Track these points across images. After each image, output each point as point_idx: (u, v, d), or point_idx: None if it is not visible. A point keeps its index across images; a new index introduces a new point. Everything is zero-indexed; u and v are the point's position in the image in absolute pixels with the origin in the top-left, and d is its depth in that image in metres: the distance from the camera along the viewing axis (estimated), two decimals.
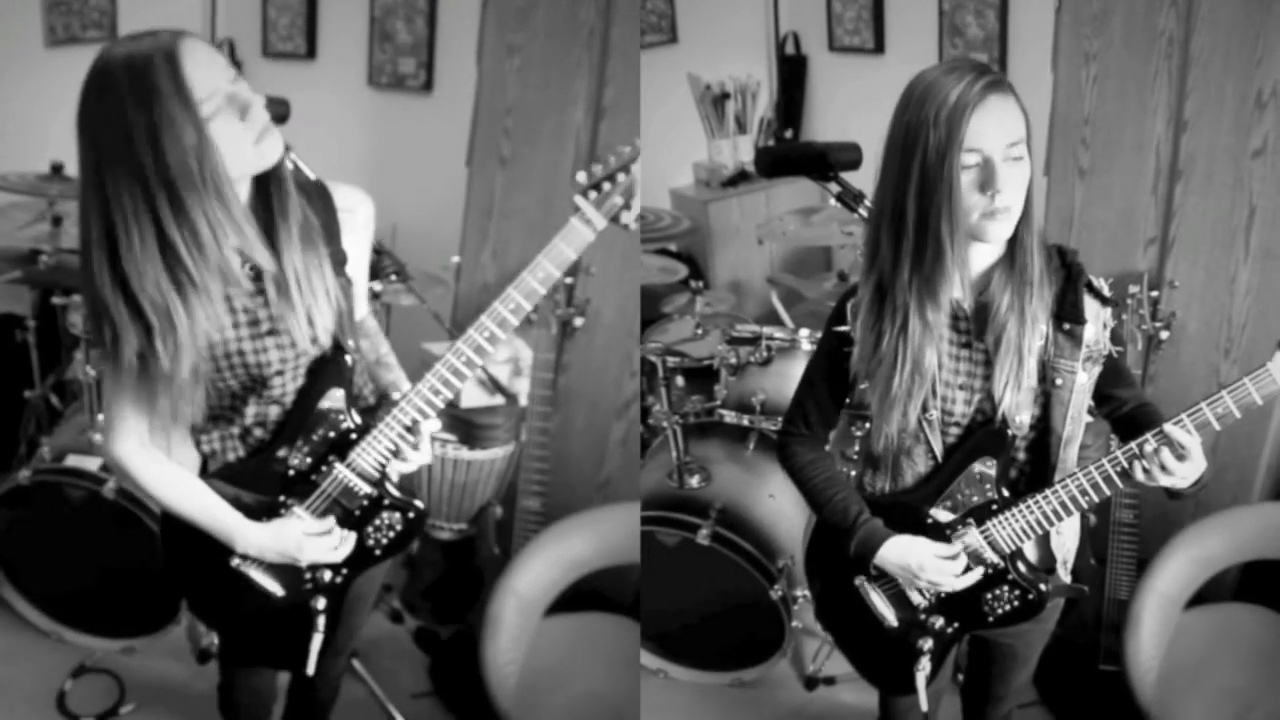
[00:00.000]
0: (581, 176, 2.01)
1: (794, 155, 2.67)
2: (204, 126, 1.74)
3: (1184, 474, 1.80)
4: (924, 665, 2.08)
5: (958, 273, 1.82)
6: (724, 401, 3.55)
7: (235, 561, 2.07)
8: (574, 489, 3.63)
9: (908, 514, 2.00)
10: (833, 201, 2.53)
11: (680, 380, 3.70)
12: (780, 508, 3.35)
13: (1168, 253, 3.23)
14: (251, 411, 2.03)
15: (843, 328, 1.99)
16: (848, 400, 2.09)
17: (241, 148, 1.80)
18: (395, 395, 2.14)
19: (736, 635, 3.35)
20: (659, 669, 3.43)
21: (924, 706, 2.10)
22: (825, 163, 2.40)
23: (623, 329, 3.61)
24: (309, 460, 2.05)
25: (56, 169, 3.80)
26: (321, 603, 2.14)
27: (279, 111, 2.63)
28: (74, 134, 1.78)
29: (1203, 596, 2.97)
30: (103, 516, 3.18)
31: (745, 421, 3.50)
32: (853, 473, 2.14)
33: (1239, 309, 3.15)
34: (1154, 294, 3.07)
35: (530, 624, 3.04)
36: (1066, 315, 1.87)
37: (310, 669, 2.17)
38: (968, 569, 1.98)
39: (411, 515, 2.13)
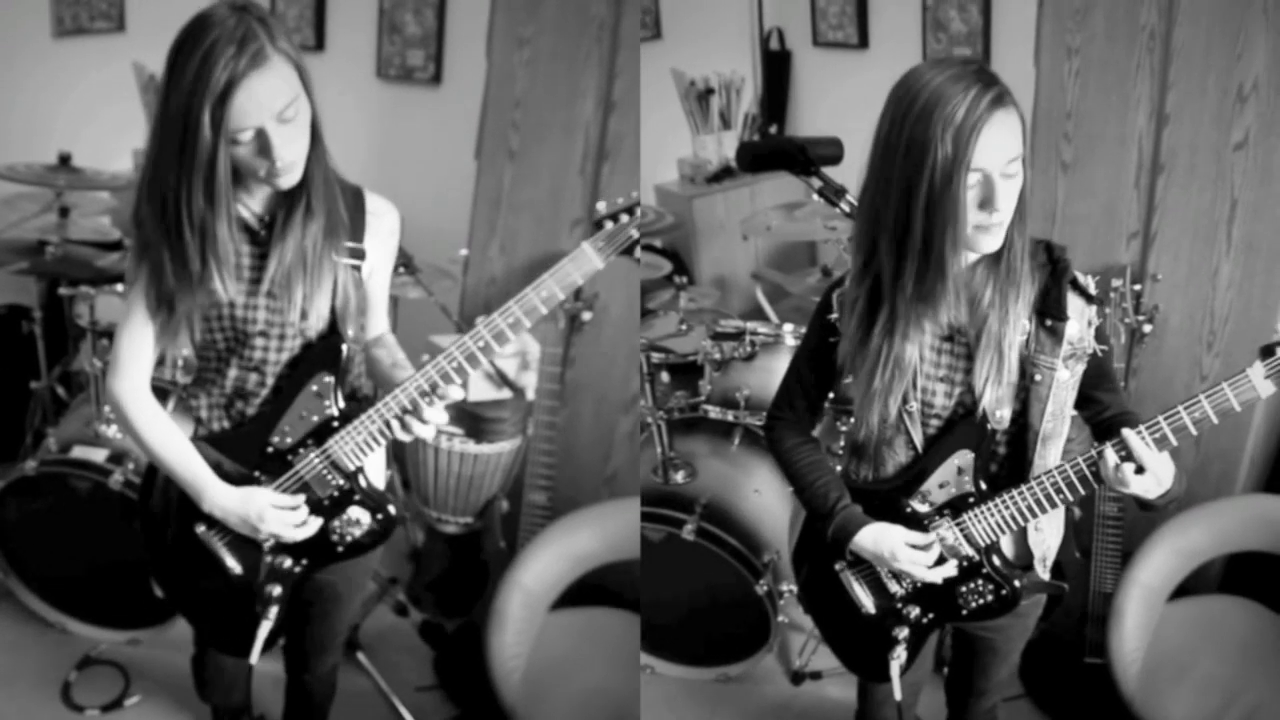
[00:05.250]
0: (602, 206, 2.04)
1: (775, 150, 2.65)
2: (219, 154, 1.83)
3: (1143, 487, 1.81)
4: (899, 654, 2.09)
5: (955, 288, 1.83)
6: (708, 397, 3.55)
7: (200, 529, 2.10)
8: (580, 483, 3.63)
9: (887, 502, 2.01)
10: (815, 196, 2.52)
11: (665, 376, 3.70)
12: (765, 503, 3.35)
13: (1150, 246, 3.24)
14: (232, 375, 2.08)
15: (831, 316, 2.00)
16: (832, 393, 2.10)
17: (256, 172, 1.90)
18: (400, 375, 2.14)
19: (722, 630, 3.35)
20: (646, 664, 3.43)
21: (897, 695, 2.10)
22: (806, 157, 2.39)
23: (630, 324, 3.61)
24: (289, 440, 2.07)
25: (64, 159, 3.80)
26: (276, 590, 2.14)
27: None
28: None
29: (1188, 589, 2.98)
30: (108, 508, 3.18)
31: (730, 417, 3.50)
32: (838, 467, 2.14)
33: (1221, 302, 3.16)
34: (1136, 287, 3.07)
35: (536, 618, 3.05)
36: (1049, 311, 1.87)
37: (254, 658, 2.17)
38: (941, 560, 1.99)
39: (381, 517, 2.13)
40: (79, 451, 3.26)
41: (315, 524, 2.10)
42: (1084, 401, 1.99)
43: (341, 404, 2.08)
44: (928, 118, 1.69)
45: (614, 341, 3.60)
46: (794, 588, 3.26)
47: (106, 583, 3.32)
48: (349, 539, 2.13)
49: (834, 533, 2.03)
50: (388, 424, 2.02)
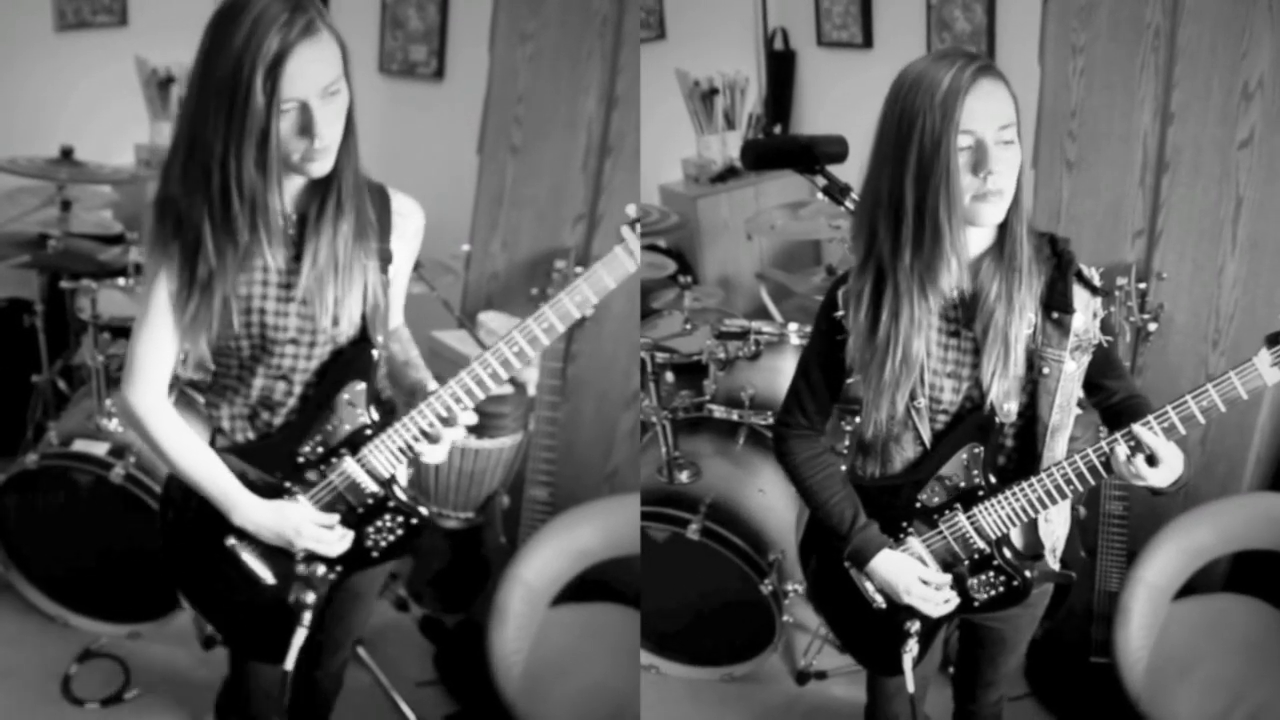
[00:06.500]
0: (631, 210, 2.04)
1: (779, 148, 2.66)
2: (271, 121, 1.77)
3: (1157, 479, 1.82)
4: (911, 647, 2.09)
5: (955, 256, 1.82)
6: (713, 396, 3.55)
7: (230, 541, 2.05)
8: (581, 479, 3.64)
9: (896, 498, 2.02)
10: (819, 195, 2.52)
11: (669, 375, 3.70)
12: (770, 502, 3.35)
13: (1155, 245, 3.24)
14: (258, 384, 2.01)
15: (837, 314, 2.00)
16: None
17: (291, 154, 1.84)
18: (430, 386, 2.10)
19: (727, 630, 3.34)
20: (650, 665, 3.42)
21: (910, 688, 2.10)
22: (811, 155, 2.39)
23: (632, 320, 3.62)
24: (320, 450, 2.03)
25: (66, 153, 3.81)
26: (310, 597, 2.09)
27: None
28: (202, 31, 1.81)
29: (1194, 587, 2.97)
30: (109, 501, 3.20)
31: (734, 416, 3.50)
32: (843, 468, 2.14)
33: (1226, 300, 3.16)
34: (1142, 286, 3.06)
35: (536, 613, 3.05)
36: (1055, 304, 1.88)
37: (289, 664, 2.11)
38: (962, 570, 2.00)
39: (414, 521, 2.10)
40: (80, 445, 3.27)
41: (349, 537, 2.07)
42: (1092, 389, 2.01)
43: (374, 413, 2.04)
44: (915, 92, 1.75)
45: (615, 338, 3.60)
46: (799, 587, 3.26)
47: (107, 576, 3.33)
48: (383, 545, 2.11)
49: (850, 556, 2.04)
50: (422, 433, 2.00)
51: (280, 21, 1.73)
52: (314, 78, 1.78)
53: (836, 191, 2.42)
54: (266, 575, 2.09)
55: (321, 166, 1.88)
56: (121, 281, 3.55)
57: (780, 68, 5.69)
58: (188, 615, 3.33)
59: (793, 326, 3.49)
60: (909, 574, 2.01)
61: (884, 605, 2.09)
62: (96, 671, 3.27)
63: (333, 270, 1.95)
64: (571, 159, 3.62)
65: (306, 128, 1.80)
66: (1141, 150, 3.22)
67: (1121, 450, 1.82)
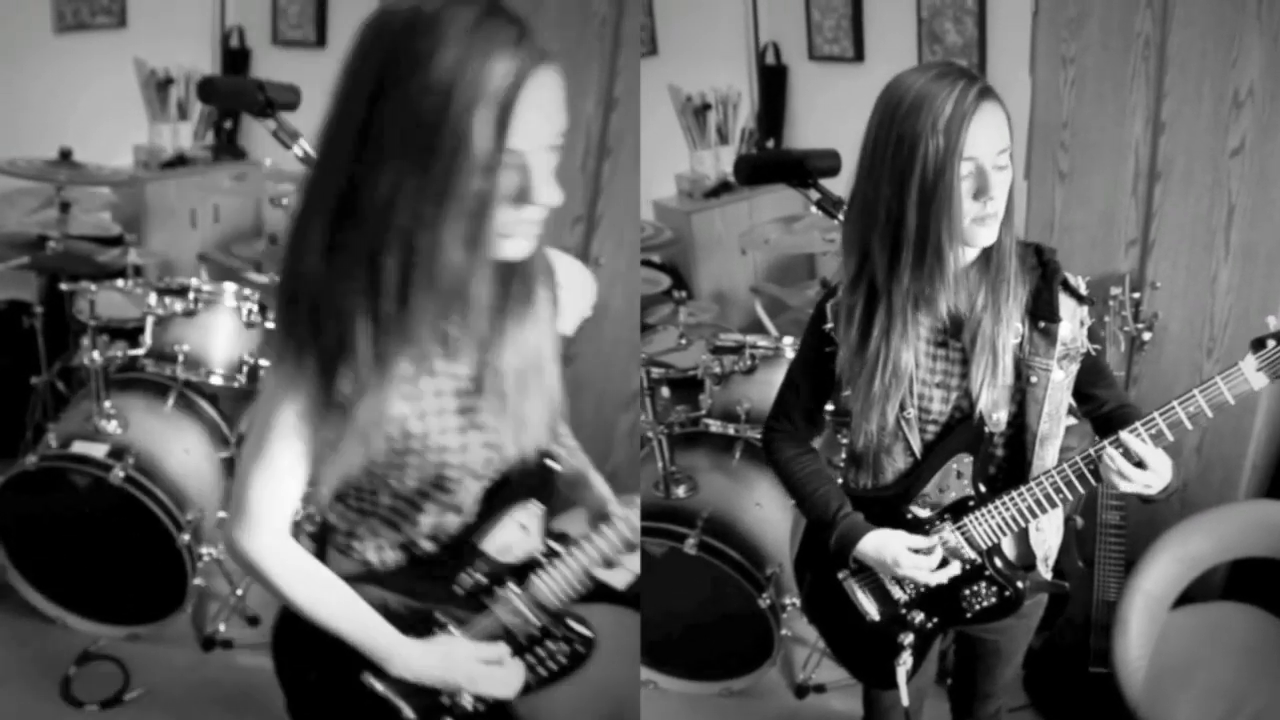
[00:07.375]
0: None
1: (772, 163, 2.67)
2: (494, 190, 1.38)
3: (1145, 482, 1.82)
4: (905, 660, 2.09)
5: (951, 276, 1.83)
6: (709, 411, 3.55)
7: (371, 681, 1.73)
8: None
9: (887, 509, 2.02)
10: (813, 209, 2.53)
11: (665, 391, 3.70)
12: (767, 516, 3.34)
13: (1148, 254, 3.24)
14: (428, 522, 1.72)
15: (826, 326, 2.00)
16: (831, 406, 2.10)
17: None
18: (610, 508, 1.87)
19: (725, 644, 3.34)
20: (648, 679, 3.41)
21: (904, 701, 2.10)
22: (804, 170, 2.40)
23: (631, 321, 3.61)
24: (484, 580, 1.75)
25: (65, 155, 3.83)
26: None
27: (289, 99, 2.61)
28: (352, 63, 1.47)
29: (1191, 596, 2.97)
30: (108, 503, 3.21)
31: (731, 430, 3.50)
32: (839, 480, 2.15)
33: (1220, 308, 3.16)
34: (1136, 295, 3.08)
35: None
36: (1041, 313, 1.89)
37: None
38: (945, 563, 1.99)
39: (580, 648, 1.86)
40: (79, 447, 3.27)
41: (522, 671, 1.80)
42: (1082, 398, 2.01)
43: (552, 543, 1.79)
44: (916, 114, 1.73)
45: (614, 339, 3.59)
46: (797, 601, 3.26)
47: (106, 578, 3.34)
48: (543, 674, 1.84)
49: (836, 541, 2.03)
50: (605, 560, 1.79)
51: (514, 58, 1.47)
52: (533, 136, 1.43)
53: (830, 205, 2.43)
54: (410, 716, 1.77)
55: (521, 249, 1.49)
56: (120, 283, 3.57)
57: (772, 82, 5.70)
58: (187, 616, 3.36)
59: (788, 340, 3.49)
60: (897, 544, 1.98)
61: (877, 618, 2.09)
62: (96, 673, 3.27)
63: (520, 380, 1.60)
64: (571, 160, 3.62)
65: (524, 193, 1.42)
66: (1133, 159, 3.22)
67: (1109, 457, 1.82)
